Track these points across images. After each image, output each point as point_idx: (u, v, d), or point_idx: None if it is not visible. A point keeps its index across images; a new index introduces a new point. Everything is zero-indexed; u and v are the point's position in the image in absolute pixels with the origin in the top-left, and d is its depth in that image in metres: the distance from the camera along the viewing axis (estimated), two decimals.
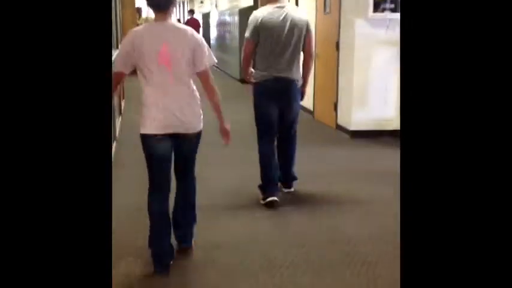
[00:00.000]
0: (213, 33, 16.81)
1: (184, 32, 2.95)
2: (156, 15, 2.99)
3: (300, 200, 4.39)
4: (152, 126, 2.95)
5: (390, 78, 6.48)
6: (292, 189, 4.53)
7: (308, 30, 4.14)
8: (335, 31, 7.00)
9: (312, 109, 8.06)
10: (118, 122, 6.87)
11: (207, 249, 3.42)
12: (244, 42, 4.16)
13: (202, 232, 3.53)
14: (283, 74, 4.08)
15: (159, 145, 2.97)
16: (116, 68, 2.96)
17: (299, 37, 4.09)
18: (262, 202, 4.19)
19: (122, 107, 7.89)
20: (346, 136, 6.68)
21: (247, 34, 4.11)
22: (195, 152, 3.18)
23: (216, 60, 3.13)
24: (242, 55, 4.21)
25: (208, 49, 3.03)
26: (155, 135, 2.95)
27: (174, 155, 3.09)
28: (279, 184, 4.41)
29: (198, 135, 3.09)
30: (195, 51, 2.94)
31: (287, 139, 4.39)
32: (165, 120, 2.94)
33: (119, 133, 6.48)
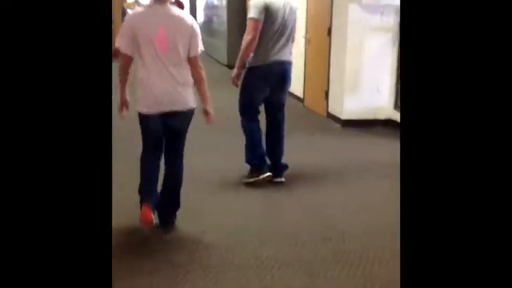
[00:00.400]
0: (200, 16, 16.51)
1: (183, 18, 3.16)
2: None
3: (290, 192, 4.22)
4: (148, 106, 3.18)
5: (383, 66, 6.30)
6: (283, 179, 4.37)
7: (297, 13, 4.25)
8: (327, 16, 6.79)
9: (302, 96, 7.86)
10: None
11: (194, 248, 3.25)
12: (251, 24, 3.99)
13: (188, 224, 3.42)
14: (282, 58, 4.10)
15: (153, 121, 3.22)
16: (122, 51, 3.14)
17: (294, 21, 4.17)
18: (249, 180, 4.22)
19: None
20: (338, 125, 6.50)
21: (254, 15, 3.97)
22: (186, 129, 3.34)
23: (203, 48, 3.29)
24: (248, 37, 3.98)
25: (200, 37, 3.23)
26: (150, 113, 3.20)
27: (166, 131, 3.29)
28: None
29: (190, 112, 3.28)
30: (192, 38, 3.15)
31: (277, 124, 4.33)
32: (161, 99, 3.15)
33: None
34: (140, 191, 3.39)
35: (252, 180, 4.23)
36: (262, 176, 4.20)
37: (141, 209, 3.30)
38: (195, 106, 3.29)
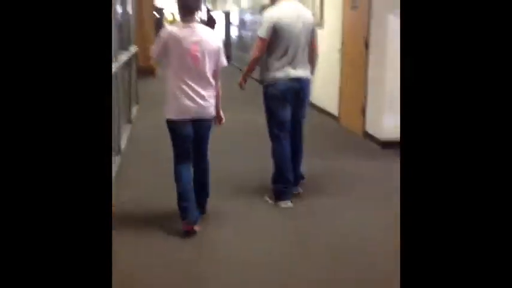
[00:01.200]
0: (234, 32, 16.27)
1: (212, 37, 3.61)
2: (185, 16, 3.57)
3: (319, 218, 3.78)
4: (178, 113, 3.57)
5: None
6: (300, 190, 4.33)
7: (314, 29, 4.17)
8: (364, 28, 6.34)
9: (336, 114, 7.40)
10: (126, 131, 6.20)
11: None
12: (258, 42, 4.06)
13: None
14: (297, 74, 4.05)
15: (183, 127, 3.60)
16: (154, 56, 3.68)
17: (309, 36, 4.10)
18: (269, 201, 4.16)
19: (133, 114, 7.19)
20: (376, 146, 5.99)
21: (260, 33, 4.04)
22: (209, 134, 3.77)
23: (226, 63, 3.77)
24: (253, 55, 4.11)
25: (223, 55, 3.73)
26: (180, 120, 3.58)
27: (195, 136, 3.66)
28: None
29: (212, 119, 3.75)
30: (218, 55, 3.65)
31: (295, 135, 4.28)
32: (190, 107, 3.55)
33: (125, 145, 5.73)
34: (180, 205, 3.64)
35: (271, 202, 4.17)
36: (282, 205, 4.11)
37: (183, 219, 3.62)
38: (214, 113, 3.73)
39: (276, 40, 3.97)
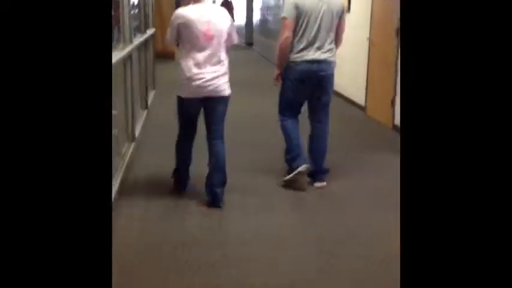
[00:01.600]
0: (256, 16, 15.90)
1: (223, 15, 3.66)
2: None
3: (342, 222, 3.45)
4: (193, 91, 3.61)
5: None
6: (324, 183, 4.15)
7: (343, 14, 4.05)
8: (396, 14, 5.94)
9: (363, 104, 7.04)
10: (141, 117, 5.88)
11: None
12: (283, 23, 3.98)
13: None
14: (318, 56, 3.96)
15: (194, 106, 3.69)
16: (169, 41, 3.77)
17: (333, 21, 3.97)
18: (284, 179, 4.06)
19: (149, 100, 6.85)
20: None
21: (284, 13, 3.98)
22: (225, 113, 3.75)
23: (237, 40, 3.86)
24: (282, 36, 3.98)
25: (235, 32, 3.80)
26: (193, 98, 3.64)
27: (207, 114, 3.73)
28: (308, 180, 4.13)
29: (227, 98, 3.71)
30: (231, 31, 3.69)
31: (317, 126, 4.17)
32: (204, 85, 3.57)
33: (140, 132, 5.43)
34: (174, 174, 3.92)
35: (286, 178, 4.06)
36: (295, 172, 4.00)
37: (174, 181, 3.92)
38: (230, 93, 3.71)
39: (297, 21, 3.91)
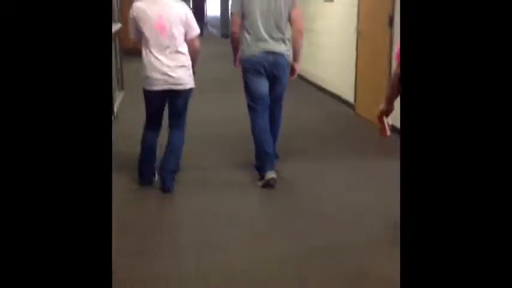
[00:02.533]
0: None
1: (177, 7, 3.68)
2: None
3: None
4: (152, 84, 3.70)
5: None
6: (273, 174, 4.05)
7: (294, 3, 4.02)
8: (387, 2, 5.37)
9: (352, 101, 6.46)
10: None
11: None
12: (230, 19, 4.16)
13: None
14: (269, 48, 3.98)
15: (155, 98, 3.77)
16: (134, 39, 3.81)
17: (285, 9, 3.98)
18: (259, 184, 4.02)
19: (116, 104, 5.98)
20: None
21: (231, 8, 4.11)
22: (186, 106, 3.87)
23: (199, 31, 3.84)
24: (230, 31, 4.18)
25: (195, 22, 3.78)
26: (153, 90, 3.72)
27: (169, 106, 3.84)
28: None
29: (188, 91, 3.81)
30: (187, 24, 3.71)
31: (274, 112, 4.26)
32: (162, 78, 3.67)
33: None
34: (139, 167, 3.95)
35: (259, 184, 4.03)
36: (266, 178, 3.97)
37: (140, 176, 3.95)
38: (192, 86, 3.81)
39: (246, 14, 3.97)
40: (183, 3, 3.77)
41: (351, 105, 6.50)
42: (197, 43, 3.83)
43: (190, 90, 3.79)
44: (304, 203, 3.72)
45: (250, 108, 4.15)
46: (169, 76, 3.66)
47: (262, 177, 4.00)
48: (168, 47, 3.63)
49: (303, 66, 9.07)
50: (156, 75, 3.65)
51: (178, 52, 3.68)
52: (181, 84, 3.70)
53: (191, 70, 3.80)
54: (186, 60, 3.74)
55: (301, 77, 9.01)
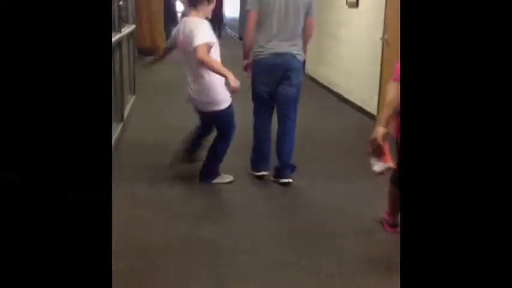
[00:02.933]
0: None
1: (188, 22, 3.73)
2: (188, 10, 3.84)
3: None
4: (188, 99, 3.94)
5: None
6: (290, 180, 4.05)
7: (311, 10, 4.01)
8: None
9: (375, 113, 6.14)
10: (114, 133, 4.76)
11: None
12: (246, 16, 4.06)
13: None
14: (281, 49, 3.94)
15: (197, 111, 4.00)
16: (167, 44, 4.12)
17: (301, 12, 3.95)
18: (251, 172, 4.20)
19: (126, 109, 5.73)
20: None
21: (248, 6, 4.02)
22: (220, 123, 3.90)
23: (208, 40, 3.59)
24: (245, 30, 4.09)
25: (201, 32, 3.62)
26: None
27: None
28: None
29: (216, 114, 3.81)
30: (192, 36, 3.63)
31: (282, 120, 4.12)
32: (191, 98, 3.86)
33: (116, 141, 4.55)
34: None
35: (250, 172, 4.23)
36: (256, 174, 4.18)
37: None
38: (221, 108, 3.77)
39: (261, 14, 3.93)
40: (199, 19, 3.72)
41: (373, 117, 6.17)
42: (200, 53, 3.55)
43: (217, 112, 3.83)
44: (318, 219, 3.51)
45: (254, 107, 4.19)
46: (195, 99, 3.88)
47: (254, 170, 4.19)
48: (190, 68, 3.75)
49: (324, 74, 8.80)
50: (189, 93, 3.90)
51: (199, 74, 3.71)
52: (205, 106, 3.85)
53: (215, 91, 3.77)
54: (208, 80, 3.73)
55: (322, 85, 8.69)
